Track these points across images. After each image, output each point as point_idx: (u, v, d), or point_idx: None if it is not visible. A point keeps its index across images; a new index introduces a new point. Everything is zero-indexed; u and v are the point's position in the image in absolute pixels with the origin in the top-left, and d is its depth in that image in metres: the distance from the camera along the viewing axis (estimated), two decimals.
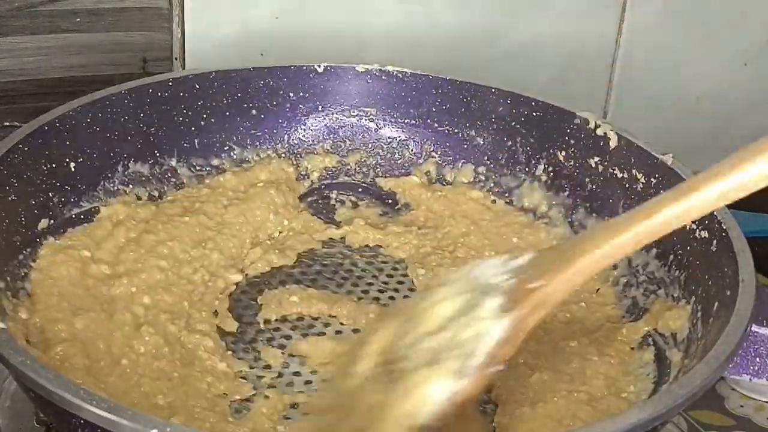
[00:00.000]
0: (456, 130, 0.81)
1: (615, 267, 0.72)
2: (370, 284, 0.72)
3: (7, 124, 0.67)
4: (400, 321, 0.52)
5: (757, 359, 0.57)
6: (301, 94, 0.81)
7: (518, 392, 0.61)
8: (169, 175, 0.77)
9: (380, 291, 0.71)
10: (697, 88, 1.11)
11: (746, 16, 1.08)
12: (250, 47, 0.87)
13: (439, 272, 0.71)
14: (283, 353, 0.64)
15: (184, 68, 0.86)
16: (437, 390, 0.48)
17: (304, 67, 0.80)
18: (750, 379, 0.58)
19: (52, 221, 0.67)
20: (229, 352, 0.63)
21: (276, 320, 0.67)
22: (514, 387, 0.62)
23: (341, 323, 0.68)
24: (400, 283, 0.73)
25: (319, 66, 0.80)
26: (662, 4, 1.04)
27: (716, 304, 0.59)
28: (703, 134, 1.12)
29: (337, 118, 0.82)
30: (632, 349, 0.65)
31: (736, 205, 0.60)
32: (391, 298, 0.71)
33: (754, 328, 0.57)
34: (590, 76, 1.05)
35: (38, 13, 0.79)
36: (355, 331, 0.67)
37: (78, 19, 0.81)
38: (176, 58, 0.87)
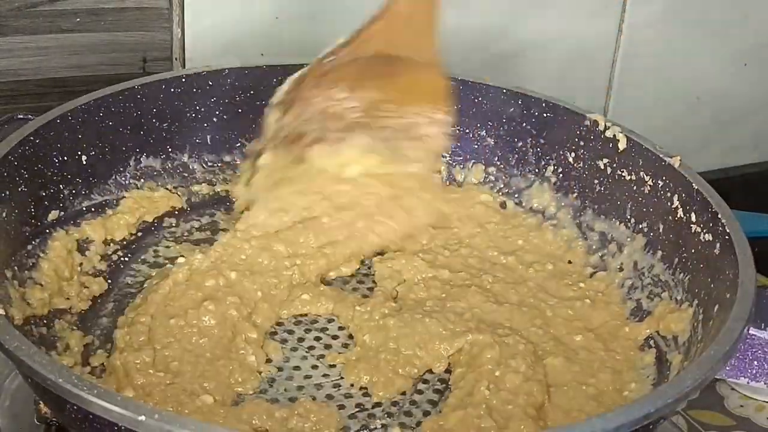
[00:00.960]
0: (467, 131, 0.81)
1: (621, 269, 0.72)
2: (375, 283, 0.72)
3: (21, 116, 0.68)
4: None
5: (755, 363, 0.57)
6: None
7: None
8: (180, 170, 0.78)
9: None
10: (697, 88, 1.10)
11: (746, 16, 1.07)
12: (250, 47, 0.88)
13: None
14: (283, 347, 0.65)
15: (184, 68, 0.87)
16: None
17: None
18: (748, 382, 0.57)
19: (62, 213, 0.68)
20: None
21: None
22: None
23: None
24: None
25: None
26: (662, 4, 1.04)
27: (716, 306, 0.59)
28: (703, 134, 1.11)
29: None
30: (636, 348, 0.66)
31: (737, 206, 0.60)
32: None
33: (752, 331, 0.57)
34: (590, 76, 1.05)
35: (38, 13, 0.80)
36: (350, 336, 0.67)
37: (78, 19, 0.81)
38: (176, 58, 0.87)
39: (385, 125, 0.72)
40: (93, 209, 0.71)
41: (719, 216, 0.63)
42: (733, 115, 1.11)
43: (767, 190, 1.02)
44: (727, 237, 0.61)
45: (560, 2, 0.99)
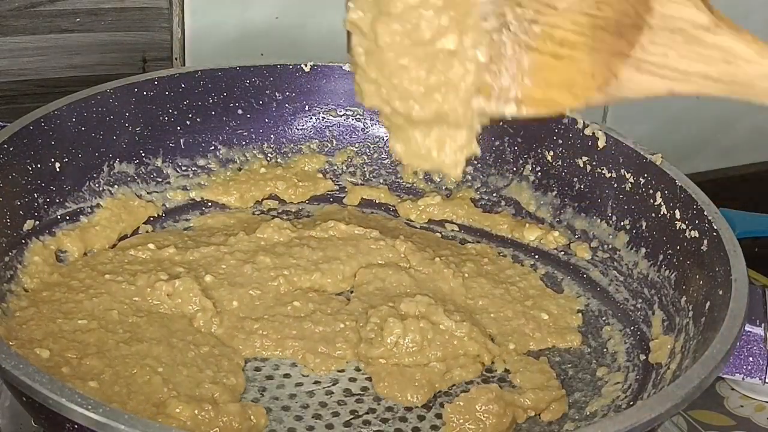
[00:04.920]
0: None
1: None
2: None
3: None
4: None
5: (750, 358, 0.58)
6: (288, 93, 0.80)
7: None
8: (154, 174, 0.76)
9: None
10: None
11: (746, 16, 1.09)
12: (250, 47, 0.87)
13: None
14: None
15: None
16: None
17: (291, 66, 0.80)
18: (743, 378, 0.58)
19: (37, 222, 0.66)
20: None
21: None
22: None
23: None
24: None
25: (306, 65, 0.80)
26: None
27: (708, 303, 0.59)
28: (703, 134, 1.12)
29: (324, 118, 0.82)
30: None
31: (737, 206, 0.60)
32: None
33: (747, 327, 0.57)
34: None
35: (38, 13, 0.79)
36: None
37: (78, 19, 0.81)
38: (176, 58, 0.86)
39: None
40: (68, 217, 0.69)
41: (705, 213, 0.64)
42: (733, 115, 1.12)
43: (767, 190, 1.03)
44: (714, 234, 0.62)
45: None
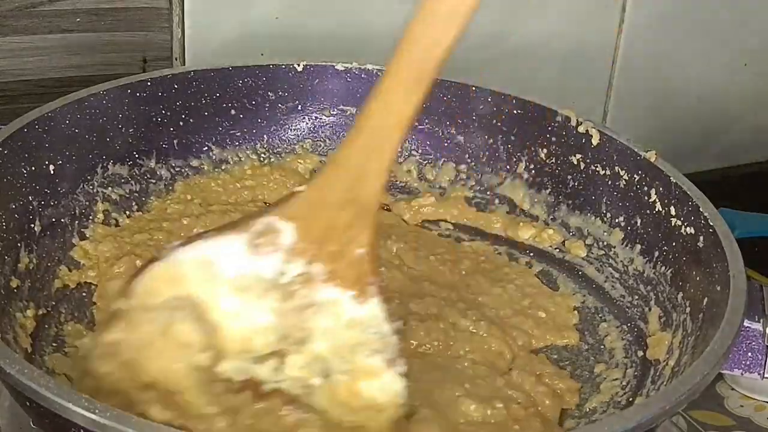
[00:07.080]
0: (436, 129, 0.81)
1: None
2: None
3: None
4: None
5: (749, 354, 0.58)
6: (281, 93, 0.80)
7: None
8: (148, 176, 0.76)
9: None
10: (697, 88, 1.12)
11: (746, 16, 1.09)
12: (251, 47, 0.87)
13: None
14: None
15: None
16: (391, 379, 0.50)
17: (283, 66, 0.80)
18: (742, 374, 0.58)
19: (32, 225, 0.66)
20: None
21: None
22: None
23: None
24: None
25: (299, 65, 0.80)
26: (662, 5, 1.05)
27: (705, 299, 0.59)
28: (703, 134, 1.13)
29: (317, 118, 0.82)
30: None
31: (737, 206, 0.61)
32: None
33: (746, 323, 0.58)
34: (590, 76, 1.06)
35: (38, 13, 0.78)
36: None
37: (78, 19, 0.80)
38: (176, 58, 0.86)
39: None
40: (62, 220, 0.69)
41: (701, 209, 0.64)
42: (733, 115, 1.13)
43: (767, 190, 1.03)
44: (711, 230, 0.62)
45: (560, 2, 0.99)
